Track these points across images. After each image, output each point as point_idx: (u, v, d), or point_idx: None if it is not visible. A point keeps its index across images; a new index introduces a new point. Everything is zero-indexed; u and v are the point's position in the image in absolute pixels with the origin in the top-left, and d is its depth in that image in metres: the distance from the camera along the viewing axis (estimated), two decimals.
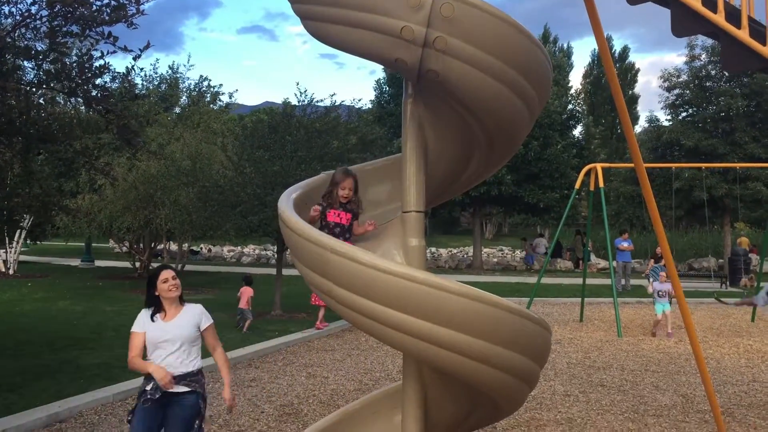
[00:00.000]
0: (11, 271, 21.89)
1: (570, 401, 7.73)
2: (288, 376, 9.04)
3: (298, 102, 15.74)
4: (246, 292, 12.47)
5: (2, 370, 8.57)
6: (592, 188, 14.02)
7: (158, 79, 29.44)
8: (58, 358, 9.36)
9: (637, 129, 41.63)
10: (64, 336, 11.07)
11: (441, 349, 3.81)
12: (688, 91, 28.04)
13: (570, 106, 30.08)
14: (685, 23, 4.87)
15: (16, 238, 22.06)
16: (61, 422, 6.82)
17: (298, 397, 7.94)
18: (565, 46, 62.66)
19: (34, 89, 7.61)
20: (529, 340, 4.07)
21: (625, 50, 58.75)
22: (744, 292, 19.10)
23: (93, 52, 7.68)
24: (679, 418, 7.13)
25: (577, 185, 13.90)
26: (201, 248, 34.85)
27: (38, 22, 7.33)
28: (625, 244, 21.32)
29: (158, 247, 22.70)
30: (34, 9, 7.35)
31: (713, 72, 27.44)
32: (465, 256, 32.36)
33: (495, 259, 31.35)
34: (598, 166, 13.96)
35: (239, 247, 35.50)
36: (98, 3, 7.35)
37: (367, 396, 5.39)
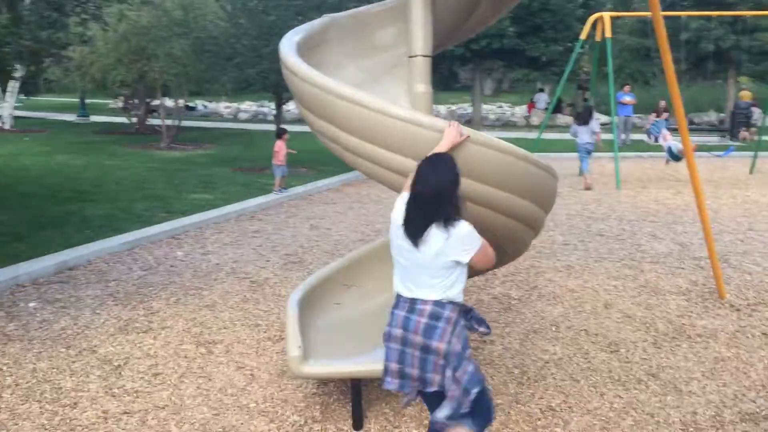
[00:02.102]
0: (7, 126, 21.68)
1: (569, 250, 7.89)
2: (291, 227, 9.16)
3: None
4: (280, 148, 11.63)
5: (8, 220, 8.66)
6: (599, 38, 13.59)
7: None
8: (63, 209, 9.44)
9: None
10: (67, 188, 11.12)
11: None
12: None
13: None
14: None
15: (9, 91, 21.67)
16: (70, 269, 6.97)
17: (302, 247, 8.08)
18: None
19: None
20: (536, 187, 4.06)
21: None
22: (741, 145, 19.10)
23: None
24: (675, 265, 7.30)
25: (583, 35, 13.45)
26: (196, 104, 34.34)
27: None
28: (628, 98, 21.02)
29: (153, 103, 22.33)
30: None
31: None
32: (464, 112, 32.02)
33: (494, 116, 31.04)
34: (606, 15, 13.46)
35: (236, 104, 35.00)
36: None
37: (374, 243, 5.48)
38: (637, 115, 26.09)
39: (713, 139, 22.18)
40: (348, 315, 4.84)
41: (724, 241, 8.33)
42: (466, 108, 32.77)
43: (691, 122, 27.98)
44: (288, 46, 4.31)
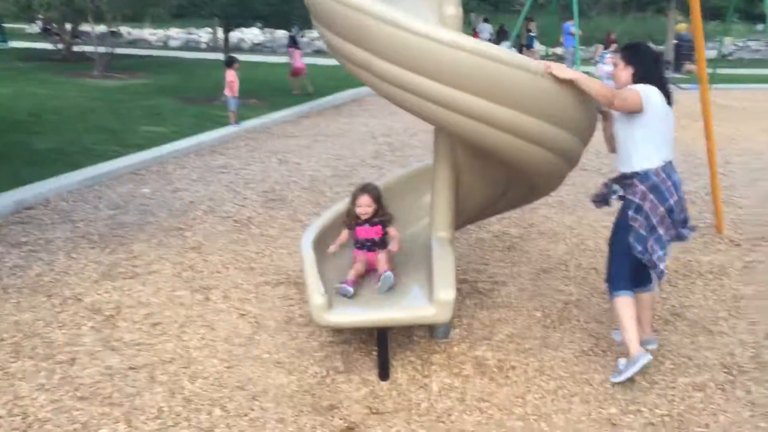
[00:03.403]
0: None
1: None
2: (258, 162, 8.67)
3: None
4: (233, 77, 10.88)
5: None
6: None
7: None
8: (5, 141, 8.65)
9: None
10: (3, 119, 10.21)
11: (497, 130, 3.48)
12: None
13: None
14: None
15: None
16: (28, 209, 6.37)
17: (278, 183, 7.63)
18: None
19: None
20: (580, 118, 3.79)
21: None
22: (689, 78, 19.28)
23: None
24: None
25: None
26: (120, 30, 32.23)
27: None
28: (574, 29, 20.82)
29: (79, 29, 20.78)
30: None
31: None
32: None
33: None
34: None
35: (161, 30, 33.00)
36: None
37: (388, 177, 5.12)
38: (581, 47, 26.06)
39: None
40: None
41: (705, 175, 8.28)
42: None
43: None
44: None
